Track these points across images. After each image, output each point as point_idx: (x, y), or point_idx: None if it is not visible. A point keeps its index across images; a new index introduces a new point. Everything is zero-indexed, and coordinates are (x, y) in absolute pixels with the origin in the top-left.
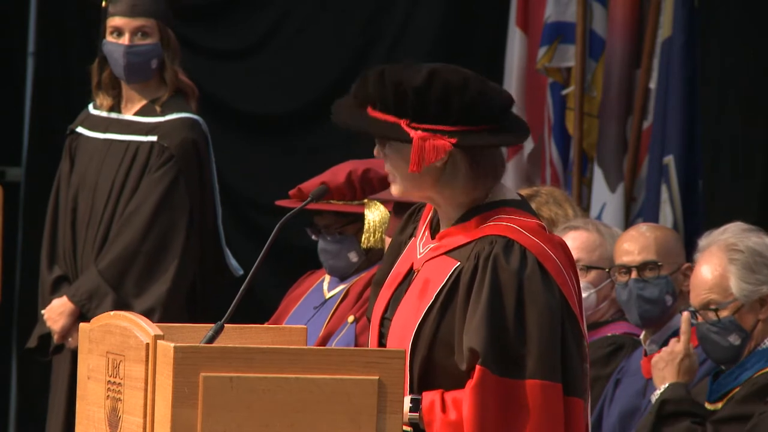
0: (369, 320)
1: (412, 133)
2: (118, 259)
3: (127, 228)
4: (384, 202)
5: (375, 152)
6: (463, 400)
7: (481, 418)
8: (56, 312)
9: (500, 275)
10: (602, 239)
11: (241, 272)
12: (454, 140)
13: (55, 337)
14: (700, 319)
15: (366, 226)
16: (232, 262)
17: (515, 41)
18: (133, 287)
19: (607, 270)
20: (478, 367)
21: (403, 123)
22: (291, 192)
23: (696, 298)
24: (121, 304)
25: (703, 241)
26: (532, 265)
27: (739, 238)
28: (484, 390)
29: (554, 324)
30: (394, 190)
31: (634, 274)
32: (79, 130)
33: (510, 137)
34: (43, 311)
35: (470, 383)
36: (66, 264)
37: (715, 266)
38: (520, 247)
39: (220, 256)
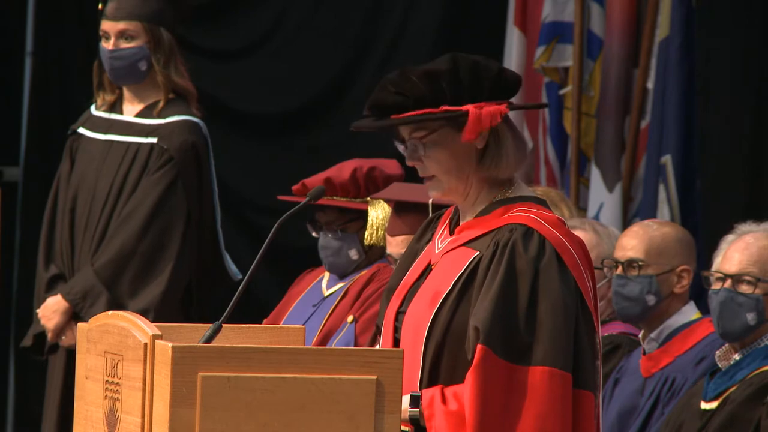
0: (378, 327)
1: (464, 107)
2: (113, 259)
3: (124, 228)
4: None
5: (407, 160)
6: (465, 383)
7: (483, 401)
8: (50, 310)
9: (517, 261)
10: (599, 239)
11: (240, 276)
12: (504, 105)
13: (49, 336)
14: (725, 284)
15: (369, 223)
16: (232, 266)
17: (513, 41)
18: (128, 288)
19: (601, 261)
20: (479, 346)
21: (443, 107)
22: (294, 188)
23: (734, 265)
24: (115, 305)
25: (744, 227)
26: (549, 255)
27: None
28: (485, 371)
29: (568, 315)
30: (435, 190)
31: (619, 270)
32: (81, 130)
33: (538, 103)
34: (37, 310)
35: (472, 365)
36: (63, 263)
37: (764, 245)
38: (540, 236)
39: (220, 260)
